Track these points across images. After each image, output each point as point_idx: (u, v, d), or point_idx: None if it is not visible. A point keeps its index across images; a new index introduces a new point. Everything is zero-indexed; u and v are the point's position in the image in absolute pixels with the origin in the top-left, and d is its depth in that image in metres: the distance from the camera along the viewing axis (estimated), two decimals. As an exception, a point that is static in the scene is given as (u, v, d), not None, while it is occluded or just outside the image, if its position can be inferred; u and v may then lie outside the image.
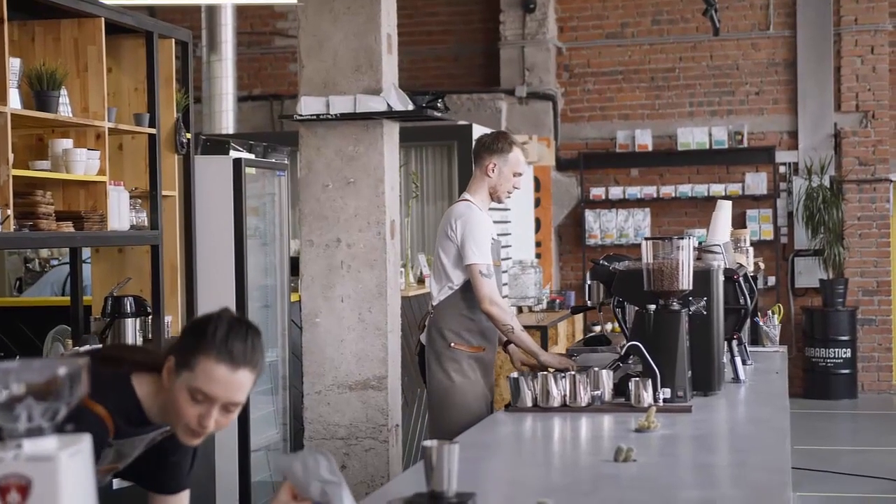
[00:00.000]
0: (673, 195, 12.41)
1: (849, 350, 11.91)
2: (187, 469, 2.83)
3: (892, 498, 7.90)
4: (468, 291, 5.11)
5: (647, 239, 4.40)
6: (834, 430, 10.73)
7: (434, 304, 5.22)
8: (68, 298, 5.94)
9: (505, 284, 9.69)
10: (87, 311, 5.80)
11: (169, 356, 2.55)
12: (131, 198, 5.53)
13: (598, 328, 11.67)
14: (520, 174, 5.25)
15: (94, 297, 5.81)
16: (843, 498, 7.88)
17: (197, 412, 2.49)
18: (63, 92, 5.00)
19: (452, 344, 5.12)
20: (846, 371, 11.93)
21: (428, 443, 2.67)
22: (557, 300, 11.04)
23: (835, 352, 11.89)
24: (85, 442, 1.82)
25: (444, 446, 2.68)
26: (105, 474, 2.71)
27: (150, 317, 5.62)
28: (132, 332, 5.52)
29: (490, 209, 5.28)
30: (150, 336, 5.66)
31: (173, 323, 5.89)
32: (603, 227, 12.62)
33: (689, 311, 4.36)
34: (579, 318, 11.11)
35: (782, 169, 12.39)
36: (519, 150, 5.27)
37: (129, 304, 5.49)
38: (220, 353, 2.48)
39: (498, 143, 5.23)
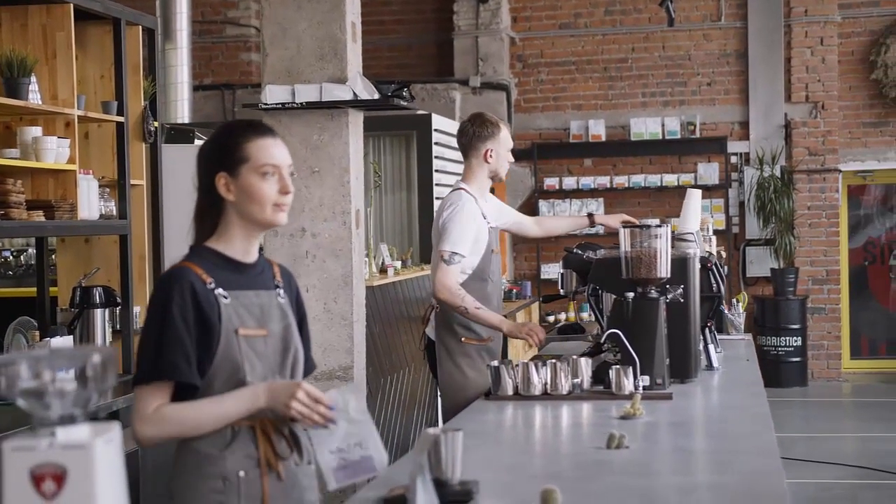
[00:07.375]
0: (626, 185, 12.46)
1: (799, 338, 12.07)
2: (307, 334, 3.01)
3: (845, 483, 8.02)
4: (474, 282, 5.07)
5: (625, 226, 4.41)
6: (785, 417, 10.84)
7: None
8: (34, 290, 5.86)
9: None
10: (54, 303, 5.71)
11: (217, 175, 2.79)
12: (100, 187, 5.46)
13: (563, 316, 11.76)
14: (511, 147, 5.39)
15: (61, 288, 5.73)
16: (796, 484, 7.97)
17: (274, 187, 2.79)
18: (33, 79, 4.93)
19: (463, 339, 5.10)
20: (797, 359, 12.09)
21: (432, 430, 2.67)
22: (514, 290, 11.08)
23: (785, 340, 12.03)
24: (115, 430, 1.80)
25: (448, 434, 2.68)
26: (258, 340, 2.80)
27: (118, 307, 5.56)
28: (101, 322, 5.44)
29: None
30: (118, 327, 5.60)
31: (142, 313, 5.82)
32: (556, 217, 12.65)
33: (667, 298, 4.38)
34: (535, 307, 11.17)
35: (734, 159, 12.51)
36: (504, 125, 5.37)
37: (98, 295, 5.41)
38: (256, 132, 2.82)
39: (487, 128, 5.26)
